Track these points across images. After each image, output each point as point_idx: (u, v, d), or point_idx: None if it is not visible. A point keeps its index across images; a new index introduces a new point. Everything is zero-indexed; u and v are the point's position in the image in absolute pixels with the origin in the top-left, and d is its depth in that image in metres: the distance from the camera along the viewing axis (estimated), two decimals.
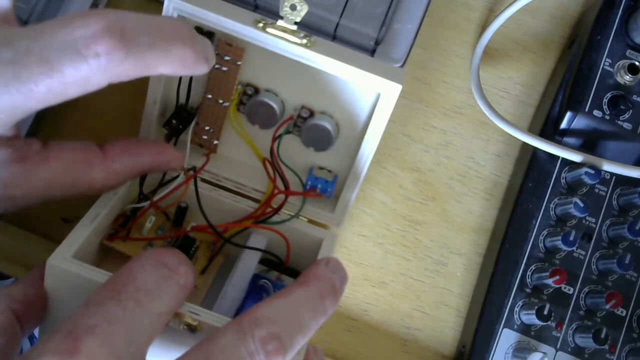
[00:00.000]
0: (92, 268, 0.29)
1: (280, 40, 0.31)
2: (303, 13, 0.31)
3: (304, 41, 0.31)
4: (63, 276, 0.29)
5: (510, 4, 0.42)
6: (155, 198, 0.34)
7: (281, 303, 0.26)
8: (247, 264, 0.35)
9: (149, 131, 0.36)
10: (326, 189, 0.37)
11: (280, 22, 0.31)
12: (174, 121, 0.35)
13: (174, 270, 0.25)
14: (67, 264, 0.29)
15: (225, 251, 0.37)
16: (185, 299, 0.27)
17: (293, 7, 0.31)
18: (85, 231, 0.31)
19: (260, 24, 0.31)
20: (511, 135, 0.40)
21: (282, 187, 0.36)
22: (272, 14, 0.38)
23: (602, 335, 0.37)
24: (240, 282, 0.34)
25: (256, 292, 0.34)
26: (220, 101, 0.35)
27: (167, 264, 0.25)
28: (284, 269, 0.36)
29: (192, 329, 0.28)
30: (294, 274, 0.36)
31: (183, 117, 0.35)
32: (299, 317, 0.26)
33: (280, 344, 0.24)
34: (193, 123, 0.36)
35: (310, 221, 0.37)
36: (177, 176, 0.35)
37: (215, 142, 0.37)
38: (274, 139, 0.36)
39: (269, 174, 0.36)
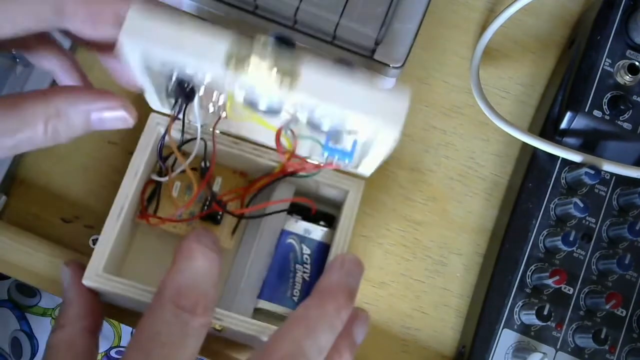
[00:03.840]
0: (123, 282, 0.32)
1: (256, 82, 0.27)
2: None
3: (284, 80, 0.26)
4: (100, 290, 0.33)
5: (510, 4, 0.42)
6: (174, 172, 0.35)
7: (300, 334, 0.28)
8: (272, 232, 0.37)
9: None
10: (345, 157, 0.33)
11: (254, 57, 0.26)
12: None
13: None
14: (99, 280, 0.32)
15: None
16: (207, 331, 0.28)
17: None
18: (112, 233, 0.33)
19: (232, 64, 0.26)
20: (511, 135, 0.40)
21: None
22: (272, 14, 0.38)
23: (602, 336, 0.37)
24: (263, 258, 0.36)
25: (283, 251, 0.37)
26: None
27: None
28: (313, 214, 0.38)
29: (217, 330, 0.32)
30: (323, 217, 0.38)
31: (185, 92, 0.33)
32: (318, 343, 0.28)
33: None
34: (197, 98, 0.32)
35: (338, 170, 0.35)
36: (194, 138, 0.34)
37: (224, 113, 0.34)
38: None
39: (281, 146, 0.34)
